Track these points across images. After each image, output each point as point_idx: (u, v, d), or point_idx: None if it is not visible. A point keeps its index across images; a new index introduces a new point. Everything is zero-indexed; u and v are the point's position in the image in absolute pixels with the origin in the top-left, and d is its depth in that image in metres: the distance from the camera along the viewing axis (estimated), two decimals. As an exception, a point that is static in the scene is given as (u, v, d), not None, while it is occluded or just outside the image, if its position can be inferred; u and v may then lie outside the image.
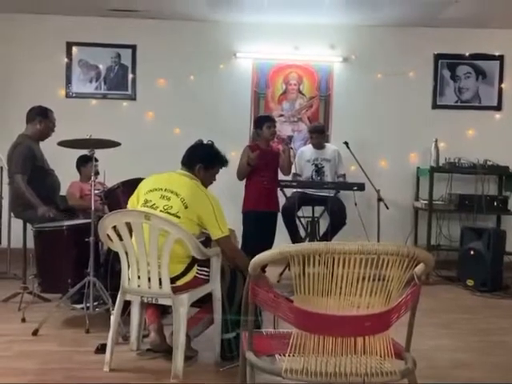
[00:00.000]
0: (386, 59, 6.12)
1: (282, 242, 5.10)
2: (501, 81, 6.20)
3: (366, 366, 1.89)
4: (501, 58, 6.18)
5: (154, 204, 3.01)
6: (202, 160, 3.23)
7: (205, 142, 3.42)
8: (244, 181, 5.18)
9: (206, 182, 3.27)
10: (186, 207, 2.98)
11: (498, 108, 6.21)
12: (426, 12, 5.61)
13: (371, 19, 5.88)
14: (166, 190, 3.04)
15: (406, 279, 1.89)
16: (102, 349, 3.08)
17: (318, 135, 5.59)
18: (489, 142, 5.97)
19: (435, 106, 6.26)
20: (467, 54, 6.18)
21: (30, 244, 4.02)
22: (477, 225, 5.56)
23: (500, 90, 6.20)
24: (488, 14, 5.61)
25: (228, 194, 5.41)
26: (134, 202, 3.13)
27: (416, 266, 1.90)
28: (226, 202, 5.09)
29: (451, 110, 6.23)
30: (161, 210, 2.97)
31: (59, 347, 3.30)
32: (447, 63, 6.23)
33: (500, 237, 5.16)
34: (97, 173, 4.00)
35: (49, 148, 4.34)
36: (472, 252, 5.20)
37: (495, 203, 5.66)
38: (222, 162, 3.34)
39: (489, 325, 4.04)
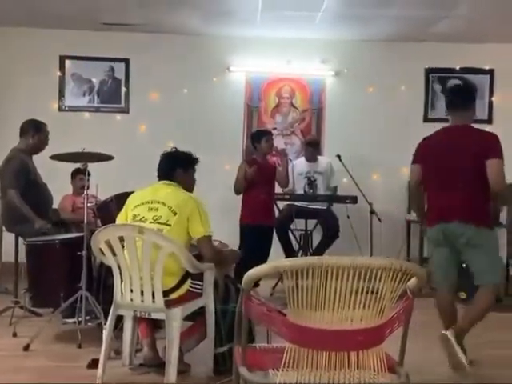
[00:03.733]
0: (377, 73, 6.18)
1: (275, 254, 5.11)
2: (491, 94, 6.27)
3: (359, 380, 1.89)
4: (491, 72, 6.26)
5: (143, 217, 3.02)
6: (180, 164, 3.29)
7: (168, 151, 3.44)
8: (241, 195, 5.20)
9: (189, 184, 3.33)
10: (175, 214, 3.01)
11: (489, 121, 6.27)
12: (416, 27, 5.68)
13: (362, 34, 5.94)
14: (152, 201, 3.07)
15: (399, 293, 1.90)
16: (94, 364, 3.06)
17: (315, 148, 5.64)
18: (480, 155, 6.01)
19: (426, 120, 6.31)
20: (458, 68, 6.25)
21: (22, 258, 4.00)
22: (469, 237, 5.57)
23: (490, 104, 6.27)
24: (478, 28, 5.69)
25: (224, 207, 5.43)
26: (123, 218, 3.13)
27: (409, 279, 1.91)
28: (222, 216, 5.16)
29: (442, 124, 6.17)
30: (150, 222, 2.99)
31: (51, 362, 3.28)
32: (438, 77, 6.30)
33: (492, 249, 5.18)
34: (82, 187, 3.97)
35: (41, 161, 4.33)
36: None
37: (487, 216, 5.68)
38: (195, 159, 3.39)
39: (482, 338, 4.04)
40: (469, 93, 3.48)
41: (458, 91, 3.56)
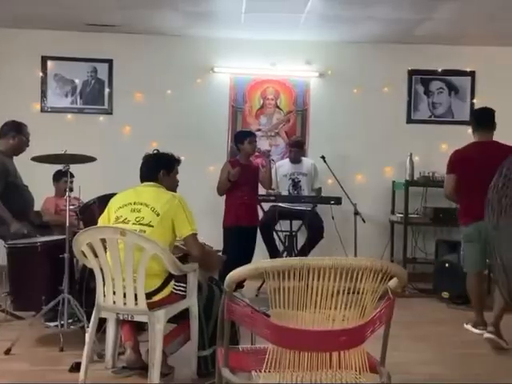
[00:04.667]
0: (361, 75, 6.21)
1: (260, 255, 5.12)
2: (472, 96, 6.33)
3: (341, 380, 1.90)
4: (472, 74, 6.32)
5: (126, 218, 3.00)
6: (162, 166, 3.28)
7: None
8: (224, 196, 5.19)
9: (172, 185, 3.33)
10: (158, 214, 2.99)
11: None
12: (399, 29, 5.72)
13: (346, 36, 5.97)
14: (135, 203, 3.05)
15: (381, 293, 1.91)
16: (76, 367, 3.03)
17: (298, 149, 5.65)
18: (462, 156, 6.06)
19: (410, 121, 6.36)
20: (440, 70, 6.31)
21: (3, 261, 3.95)
22: (451, 238, 5.64)
23: (472, 105, 6.33)
24: (460, 31, 5.75)
25: (209, 209, 5.42)
26: (106, 220, 3.10)
27: (390, 279, 1.92)
28: (206, 218, 5.14)
29: (425, 125, 6.34)
30: (133, 223, 2.96)
31: (32, 366, 3.24)
32: (421, 79, 6.35)
33: (474, 249, 5.24)
34: (71, 189, 3.95)
35: (23, 163, 4.29)
36: (447, 265, 5.26)
37: (469, 216, 5.73)
38: (176, 160, 3.41)
39: (464, 337, 4.09)
40: (492, 115, 4.24)
41: (483, 113, 4.37)
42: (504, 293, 3.60)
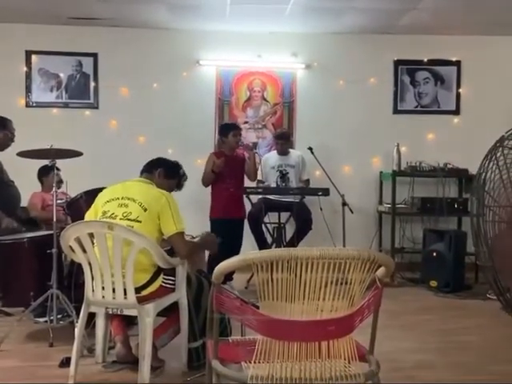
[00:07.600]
0: (347, 66, 6.22)
1: (248, 248, 5.13)
2: (458, 86, 6.36)
3: (330, 369, 1.91)
4: (458, 64, 6.35)
5: (113, 213, 2.98)
6: (164, 166, 3.33)
7: None
8: (210, 188, 5.18)
9: (163, 188, 3.28)
10: (146, 210, 2.97)
11: (457, 112, 6.37)
12: (385, 19, 5.73)
13: (332, 27, 5.96)
14: (122, 198, 3.03)
15: (368, 282, 1.92)
16: (66, 362, 3.03)
17: (284, 141, 5.65)
18: (448, 146, 6.11)
19: (396, 111, 6.37)
20: (426, 60, 6.33)
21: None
22: (438, 227, 5.68)
23: (458, 95, 6.36)
24: (445, 20, 5.76)
25: (196, 202, 5.41)
26: (92, 215, 3.08)
27: (377, 269, 1.94)
28: (193, 211, 5.14)
29: (412, 115, 6.36)
30: (120, 218, 2.95)
31: (22, 362, 3.23)
32: (407, 69, 6.36)
33: (461, 238, 5.29)
34: (60, 181, 3.92)
35: (9, 159, 4.25)
36: (434, 254, 5.31)
37: (456, 205, 5.78)
38: (181, 176, 3.46)
39: (452, 325, 4.13)
40: None
41: None
42: (490, 279, 3.64)
